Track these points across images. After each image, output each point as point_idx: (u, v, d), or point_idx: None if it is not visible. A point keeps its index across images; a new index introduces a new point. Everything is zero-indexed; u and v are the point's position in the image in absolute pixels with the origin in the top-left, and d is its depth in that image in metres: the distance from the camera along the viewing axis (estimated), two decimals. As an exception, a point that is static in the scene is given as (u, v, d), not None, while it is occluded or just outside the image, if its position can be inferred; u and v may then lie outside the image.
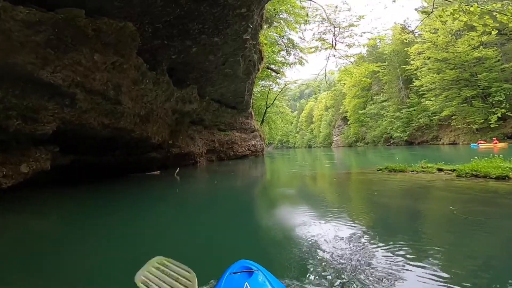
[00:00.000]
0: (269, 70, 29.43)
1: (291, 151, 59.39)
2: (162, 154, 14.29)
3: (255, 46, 14.09)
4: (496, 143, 22.54)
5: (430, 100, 34.51)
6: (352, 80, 61.32)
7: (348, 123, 61.80)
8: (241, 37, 10.23)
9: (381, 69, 50.32)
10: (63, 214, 6.01)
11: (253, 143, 26.28)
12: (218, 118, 20.83)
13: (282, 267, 2.48)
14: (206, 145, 20.02)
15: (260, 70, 22.05)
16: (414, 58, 36.71)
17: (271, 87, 33.22)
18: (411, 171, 8.29)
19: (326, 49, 21.66)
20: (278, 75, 30.92)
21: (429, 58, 34.03)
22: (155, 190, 9.06)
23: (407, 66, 40.07)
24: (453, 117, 34.10)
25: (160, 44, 8.90)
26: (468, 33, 28.31)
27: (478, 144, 23.59)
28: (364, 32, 25.96)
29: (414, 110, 41.80)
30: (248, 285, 1.31)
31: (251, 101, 24.40)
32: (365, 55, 63.61)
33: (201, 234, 3.97)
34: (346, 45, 21.95)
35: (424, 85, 35.90)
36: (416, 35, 35.81)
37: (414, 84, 38.49)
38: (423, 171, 8.14)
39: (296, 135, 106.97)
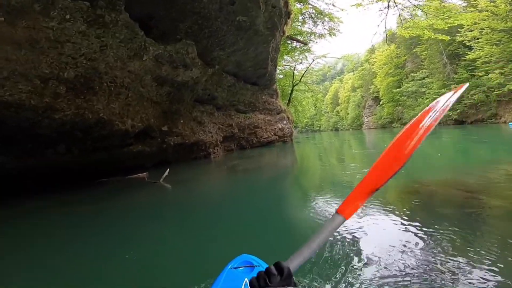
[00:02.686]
0: (293, 41, 23.53)
1: (316, 135, 53.13)
2: (154, 146, 9.47)
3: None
4: None
5: (494, 73, 26.87)
6: (384, 57, 53.63)
7: (381, 103, 54.07)
8: None
9: (419, 44, 42.76)
10: None
11: (280, 127, 20.96)
12: (235, 96, 15.66)
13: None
14: (221, 131, 15.05)
15: (286, 32, 16.40)
16: (469, 28, 28.85)
17: (297, 63, 27.23)
18: None
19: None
20: (305, 47, 24.88)
21: (486, 28, 26.41)
22: (96, 225, 4.20)
23: (457, 37, 32.24)
24: (519, 92, 26.61)
25: None
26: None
27: None
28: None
29: (464, 85, 34.02)
30: (247, 281, 1.03)
31: (276, 75, 18.89)
32: (395, 31, 54.93)
33: None
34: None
35: (482, 57, 28.28)
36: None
37: (468, 57, 30.80)
38: None
39: (321, 118, 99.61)
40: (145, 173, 8.66)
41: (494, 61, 27.56)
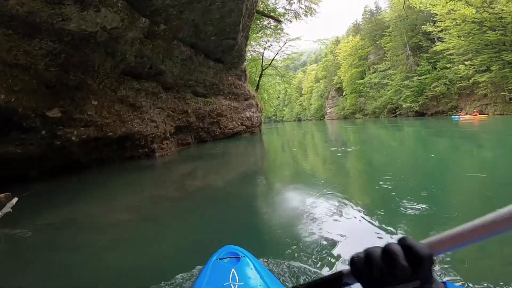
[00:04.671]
0: (265, 17, 19.50)
1: (279, 125, 50.07)
2: (33, 143, 5.09)
3: None
4: (476, 115, 20.92)
5: (464, 64, 25.57)
6: (348, 48, 51.85)
7: (344, 94, 52.56)
8: None
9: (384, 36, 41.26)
10: None
11: (248, 115, 17.11)
12: (192, 74, 11.41)
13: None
14: (172, 120, 10.76)
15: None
16: (441, 18, 27.29)
17: (267, 44, 23.19)
18: None
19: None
20: (278, 25, 20.96)
21: (459, 18, 24.88)
22: None
23: (427, 27, 30.85)
24: (481, 85, 25.84)
25: None
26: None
27: (459, 116, 21.87)
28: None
29: (426, 78, 33.12)
30: (235, 272, 1.10)
31: (245, 53, 14.84)
32: (361, 23, 53.44)
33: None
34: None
35: (450, 49, 27.00)
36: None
37: (435, 48, 29.58)
38: None
39: (284, 108, 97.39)
40: (3, 194, 4.30)
41: (461, 53, 26.37)
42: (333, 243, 2.13)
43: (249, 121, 17.10)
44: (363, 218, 2.62)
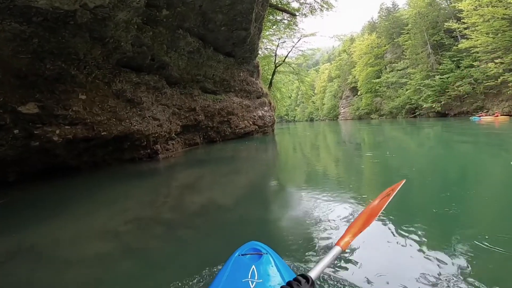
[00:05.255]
0: (278, 10, 18.31)
1: (291, 125, 48.47)
2: (4, 145, 4.19)
3: None
4: (497, 115, 20.32)
5: (494, 62, 23.59)
6: (364, 46, 49.67)
7: (359, 93, 50.54)
8: None
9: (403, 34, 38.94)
10: None
11: (261, 114, 16.01)
12: (200, 69, 10.43)
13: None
14: (178, 118, 9.80)
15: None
16: (467, 14, 25.38)
17: (281, 41, 21.94)
18: None
19: None
20: (292, 20, 19.73)
21: (488, 14, 23.02)
22: None
23: (451, 24, 28.92)
24: (510, 84, 23.80)
25: None
26: None
27: (479, 116, 20.94)
28: None
29: (449, 77, 31.04)
30: (255, 268, 1.08)
31: (258, 47, 13.74)
32: (377, 21, 51.22)
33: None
34: None
35: (478, 46, 25.03)
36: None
37: (460, 46, 27.66)
38: None
39: (296, 108, 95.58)
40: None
41: (489, 51, 24.39)
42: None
43: (261, 121, 16.01)
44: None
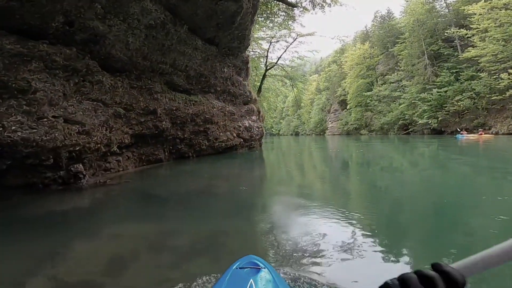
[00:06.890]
0: (275, 2, 15.69)
1: (275, 139, 45.37)
2: None
3: None
4: (481, 134, 20.39)
5: (508, 72, 22.02)
6: (356, 56, 47.89)
7: (348, 107, 48.80)
8: None
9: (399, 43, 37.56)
10: None
11: (247, 125, 12.89)
12: (166, 55, 7.22)
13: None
14: (127, 123, 6.51)
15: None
16: (479, 18, 24.07)
17: (274, 40, 19.22)
18: None
19: None
20: (289, 12, 17.09)
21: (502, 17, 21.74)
22: None
23: (454, 30, 27.65)
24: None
25: None
26: None
27: (462, 134, 21.21)
28: None
29: (447, 90, 29.64)
30: (252, 282, 1.07)
31: (250, 35, 10.74)
32: (370, 29, 50.08)
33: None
34: None
35: (487, 55, 23.52)
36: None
37: (465, 55, 26.31)
38: None
39: (281, 121, 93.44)
40: None
41: (499, 60, 22.89)
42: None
43: (248, 133, 12.90)
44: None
